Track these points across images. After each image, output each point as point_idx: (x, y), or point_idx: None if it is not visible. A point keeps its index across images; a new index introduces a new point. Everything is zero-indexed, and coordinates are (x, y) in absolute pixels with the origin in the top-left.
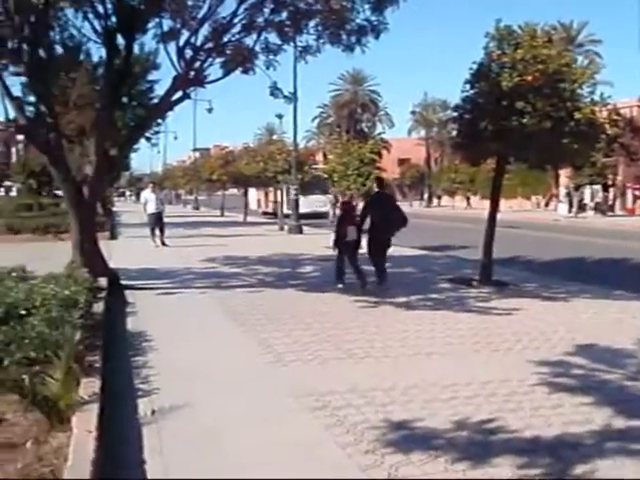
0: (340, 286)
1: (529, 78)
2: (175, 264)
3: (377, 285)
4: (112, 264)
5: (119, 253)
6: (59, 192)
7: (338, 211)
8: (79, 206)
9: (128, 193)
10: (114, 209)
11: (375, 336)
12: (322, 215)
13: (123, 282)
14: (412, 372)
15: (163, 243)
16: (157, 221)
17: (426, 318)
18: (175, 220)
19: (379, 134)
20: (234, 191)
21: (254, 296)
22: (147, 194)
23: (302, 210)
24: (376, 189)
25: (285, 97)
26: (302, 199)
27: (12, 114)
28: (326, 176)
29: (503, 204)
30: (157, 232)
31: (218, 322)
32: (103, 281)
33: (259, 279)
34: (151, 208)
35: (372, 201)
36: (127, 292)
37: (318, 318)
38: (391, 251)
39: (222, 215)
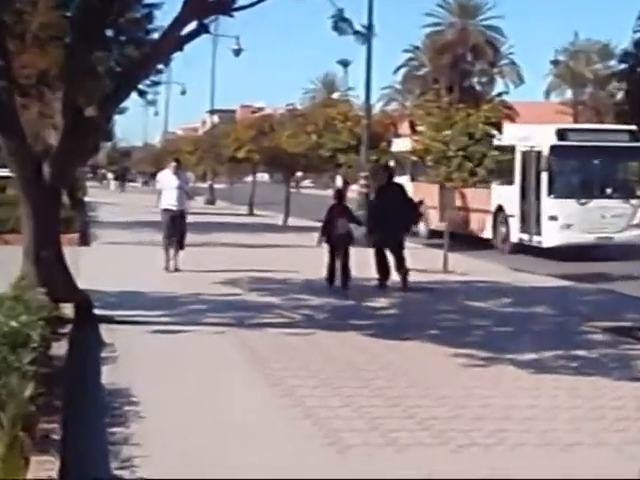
0: (333, 290)
1: None
2: (178, 287)
3: (380, 289)
4: (82, 283)
5: (93, 266)
6: (5, 171)
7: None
8: (36, 193)
9: (110, 175)
10: (87, 199)
11: (484, 411)
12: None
13: (98, 312)
14: (543, 471)
15: (176, 268)
16: (175, 224)
17: (565, 388)
18: None
19: (499, 95)
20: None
21: (297, 341)
22: (165, 177)
23: (579, 237)
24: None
25: (356, 33)
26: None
27: None
28: (414, 158)
29: None
30: (173, 244)
31: (241, 380)
32: (68, 309)
33: (305, 315)
34: (168, 200)
35: (379, 194)
36: (103, 327)
37: (395, 380)
38: (513, 280)
39: (251, 214)
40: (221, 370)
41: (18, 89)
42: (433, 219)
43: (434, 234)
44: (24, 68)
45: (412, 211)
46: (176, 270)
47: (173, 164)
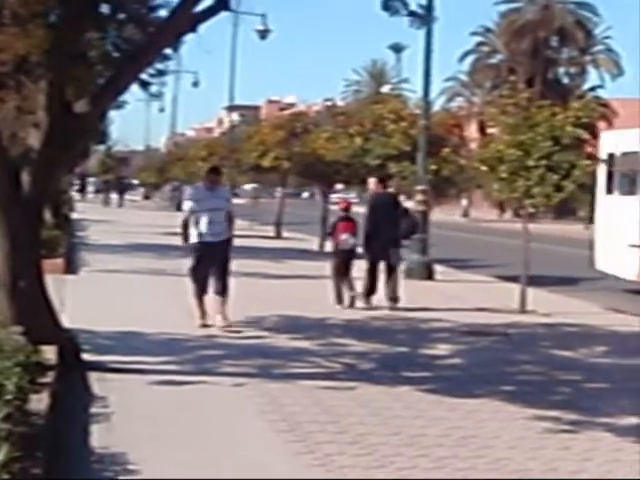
0: (338, 307)
1: None
2: (185, 326)
3: (390, 306)
4: (67, 321)
5: (81, 300)
6: None
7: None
8: (11, 208)
9: (100, 187)
10: (74, 216)
11: None
12: None
13: (87, 357)
14: None
15: (227, 324)
16: (212, 261)
17: None
18: (175, 240)
19: (593, 89)
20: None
21: (336, 397)
22: (197, 194)
23: None
24: (375, 189)
25: (411, 14)
26: None
27: None
28: (484, 168)
29: None
30: (210, 289)
31: (264, 444)
32: (50, 352)
33: (346, 364)
34: (202, 228)
35: (373, 205)
36: (94, 376)
37: (460, 449)
38: (610, 323)
39: (278, 236)
40: (239, 432)
41: None
42: None
43: None
44: (0, 52)
45: (410, 222)
46: (227, 327)
47: (211, 175)
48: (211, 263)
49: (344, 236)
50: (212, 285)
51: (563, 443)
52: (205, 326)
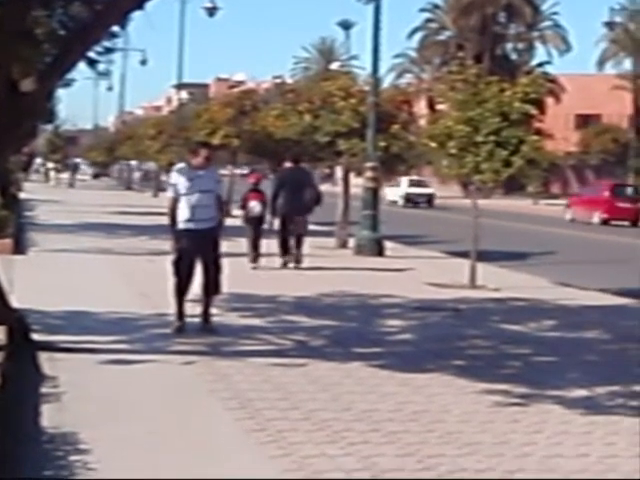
0: (253, 266)
1: None
2: (135, 304)
3: (295, 266)
4: (16, 301)
5: (30, 280)
6: None
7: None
8: None
9: (50, 166)
10: (23, 196)
11: (522, 463)
12: None
13: (36, 337)
14: None
15: (208, 326)
16: (199, 251)
17: (624, 432)
18: (123, 219)
19: (540, 65)
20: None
21: (287, 374)
22: (183, 175)
23: None
24: (288, 164)
25: None
26: None
27: None
28: (433, 144)
29: None
30: (194, 285)
31: (215, 425)
32: None
33: (297, 341)
34: (188, 213)
35: (283, 178)
36: (44, 357)
37: (412, 423)
38: (558, 297)
39: (228, 214)
40: (189, 410)
41: None
42: None
43: None
44: None
45: (315, 193)
46: (210, 330)
47: (203, 154)
48: (198, 254)
49: (252, 203)
50: (198, 280)
51: (513, 416)
52: (180, 330)
